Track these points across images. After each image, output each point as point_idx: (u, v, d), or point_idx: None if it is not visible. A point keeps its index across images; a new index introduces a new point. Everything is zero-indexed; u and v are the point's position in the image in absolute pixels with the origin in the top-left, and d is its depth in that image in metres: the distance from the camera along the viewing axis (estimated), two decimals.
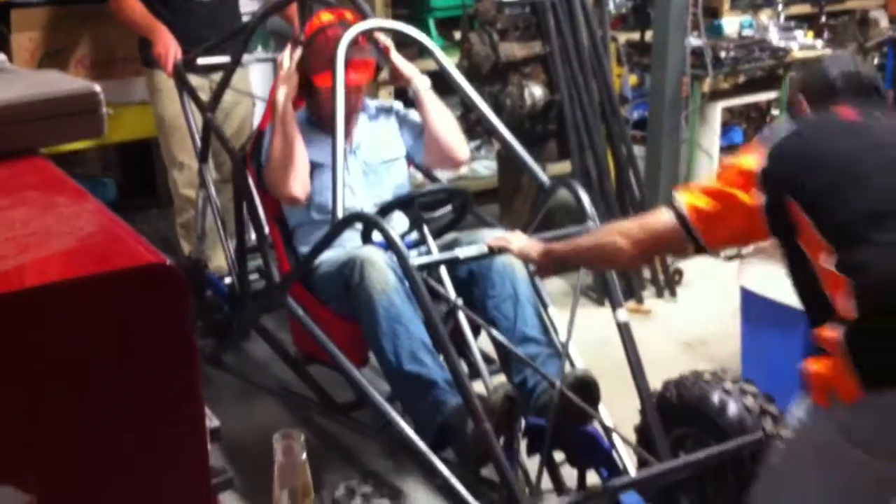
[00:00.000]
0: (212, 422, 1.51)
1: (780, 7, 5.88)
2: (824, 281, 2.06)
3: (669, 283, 4.78)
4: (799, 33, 5.57)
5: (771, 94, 5.39)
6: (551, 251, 2.57)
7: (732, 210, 2.17)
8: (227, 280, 3.75)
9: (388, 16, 4.90)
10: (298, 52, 3.16)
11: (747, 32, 5.46)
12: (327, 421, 3.39)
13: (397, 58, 3.28)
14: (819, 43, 5.50)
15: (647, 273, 4.81)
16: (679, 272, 4.87)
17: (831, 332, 1.98)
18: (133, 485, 1.00)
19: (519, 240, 2.67)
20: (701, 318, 4.50)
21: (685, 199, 2.22)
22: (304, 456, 1.21)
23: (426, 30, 5.24)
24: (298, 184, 3.11)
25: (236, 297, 3.59)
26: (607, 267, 2.63)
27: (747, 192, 2.14)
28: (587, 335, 2.94)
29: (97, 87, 1.32)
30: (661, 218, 2.25)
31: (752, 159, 2.16)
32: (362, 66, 3.17)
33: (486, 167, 5.67)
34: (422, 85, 3.28)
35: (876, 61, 6.09)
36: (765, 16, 5.83)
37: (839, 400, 1.95)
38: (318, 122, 3.29)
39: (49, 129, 1.29)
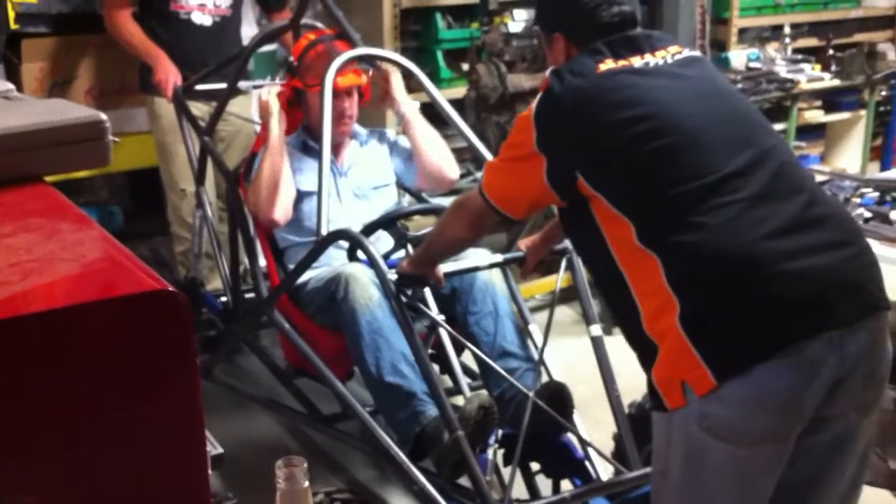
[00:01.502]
0: (214, 448, 1.52)
1: (787, 40, 5.93)
2: (623, 257, 2.01)
3: None
4: (806, 66, 5.60)
5: (778, 126, 5.40)
6: (409, 259, 2.73)
7: (522, 183, 2.17)
8: (223, 299, 3.90)
9: (396, 48, 4.95)
10: (276, 88, 3.36)
11: (754, 65, 5.48)
12: (313, 432, 3.53)
13: (395, 80, 3.43)
14: (827, 76, 5.53)
15: None
16: None
17: (664, 324, 1.90)
18: None
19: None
20: None
21: (487, 179, 2.26)
22: (307, 483, 1.21)
23: (434, 61, 5.29)
24: (280, 209, 3.25)
25: (229, 314, 3.74)
26: (456, 253, 2.71)
27: (528, 161, 2.11)
28: (588, 360, 2.94)
29: (103, 116, 1.35)
30: (475, 202, 2.29)
31: (524, 127, 2.11)
32: (352, 73, 3.32)
33: None
34: (410, 108, 3.42)
35: (883, 93, 6.12)
36: (772, 49, 5.87)
37: (694, 394, 1.86)
38: (314, 142, 3.40)
39: (54, 157, 1.31)
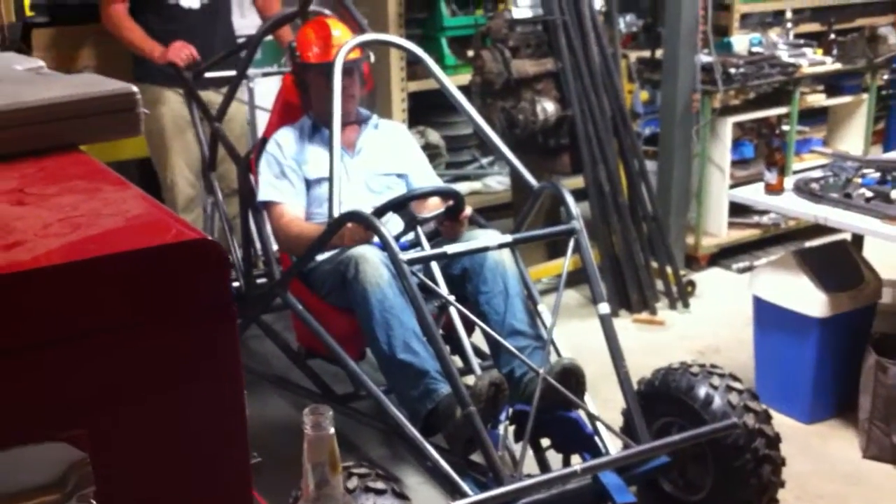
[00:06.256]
0: None
1: (789, 25, 5.98)
2: None
3: (682, 295, 4.88)
4: (808, 50, 5.65)
5: (781, 110, 5.48)
6: None
7: None
8: (235, 284, 3.92)
9: (400, 35, 5.02)
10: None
11: (756, 49, 5.54)
12: None
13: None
14: (828, 59, 5.58)
15: (660, 285, 4.88)
16: (692, 283, 4.96)
17: None
18: (178, 447, 1.08)
19: None
20: (714, 328, 4.59)
21: None
22: (333, 430, 1.27)
23: (439, 48, 5.36)
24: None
25: (242, 298, 3.77)
26: None
27: None
28: (596, 341, 3.00)
29: (134, 88, 1.41)
30: None
31: None
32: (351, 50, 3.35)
33: (499, 182, 5.78)
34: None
35: (886, 77, 6.17)
36: (774, 33, 5.93)
37: None
38: (322, 124, 3.45)
39: (89, 127, 1.38)
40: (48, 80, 1.50)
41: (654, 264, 4.92)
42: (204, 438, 1.08)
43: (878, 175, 3.78)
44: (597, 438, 2.80)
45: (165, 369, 1.02)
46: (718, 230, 5.40)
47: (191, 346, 1.03)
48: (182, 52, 4.07)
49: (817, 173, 3.95)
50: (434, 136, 5.54)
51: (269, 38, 4.46)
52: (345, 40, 3.34)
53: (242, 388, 1.08)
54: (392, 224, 3.11)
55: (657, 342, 4.47)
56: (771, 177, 3.85)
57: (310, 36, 3.46)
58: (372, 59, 3.52)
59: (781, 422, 3.32)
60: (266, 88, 4.62)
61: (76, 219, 1.07)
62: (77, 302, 0.96)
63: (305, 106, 3.57)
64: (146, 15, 4.27)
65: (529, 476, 2.62)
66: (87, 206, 1.12)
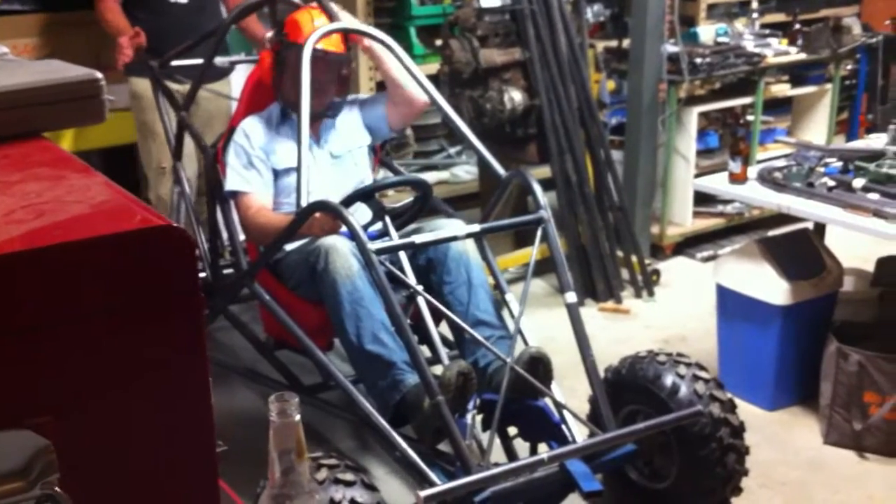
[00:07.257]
0: None
1: (754, 15, 6.02)
2: None
3: (647, 284, 4.91)
4: (773, 40, 5.69)
5: (746, 100, 5.52)
6: None
7: None
8: (202, 274, 3.88)
9: (369, 24, 4.98)
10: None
11: (722, 39, 5.57)
12: None
13: (348, 17, 3.49)
14: (793, 49, 5.62)
15: (625, 274, 4.91)
16: (657, 272, 4.99)
17: None
18: (144, 434, 1.08)
19: None
20: (679, 317, 4.63)
21: None
22: (298, 417, 1.27)
23: (407, 37, 5.35)
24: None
25: (208, 288, 3.75)
26: None
27: None
28: (562, 331, 3.02)
29: (99, 74, 1.40)
30: None
31: None
32: (333, 41, 3.38)
33: (467, 171, 5.78)
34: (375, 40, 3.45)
35: (849, 67, 6.22)
36: (740, 24, 5.97)
37: None
38: (293, 111, 3.41)
39: (54, 114, 1.38)
40: (12, 67, 1.49)
41: (620, 253, 4.95)
42: (170, 425, 1.09)
43: (840, 164, 3.82)
44: (564, 427, 2.81)
45: (132, 356, 1.02)
46: (683, 219, 5.45)
47: (157, 332, 1.03)
48: (122, 54, 4.04)
49: (781, 163, 3.99)
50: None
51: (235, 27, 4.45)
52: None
53: (208, 374, 1.08)
54: (360, 214, 3.11)
55: (623, 331, 4.51)
56: (735, 166, 3.88)
57: (305, 21, 3.40)
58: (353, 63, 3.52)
59: (745, 409, 3.35)
60: (235, 78, 4.60)
61: (40, 205, 1.07)
62: (41, 289, 0.96)
63: (276, 89, 3.53)
64: (137, 12, 4.25)
65: (497, 465, 2.62)
66: (52, 193, 1.12)
